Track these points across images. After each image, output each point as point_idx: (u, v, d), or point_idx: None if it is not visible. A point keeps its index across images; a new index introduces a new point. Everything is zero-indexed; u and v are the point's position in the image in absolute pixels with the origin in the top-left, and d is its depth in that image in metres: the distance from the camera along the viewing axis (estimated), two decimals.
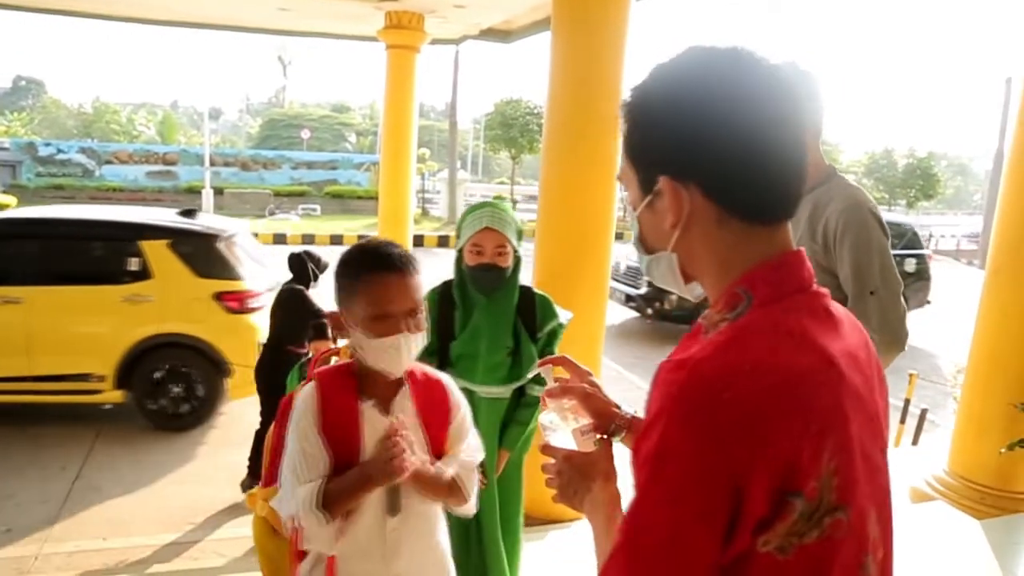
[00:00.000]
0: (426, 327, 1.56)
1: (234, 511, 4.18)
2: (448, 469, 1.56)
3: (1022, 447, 3.41)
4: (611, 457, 1.03)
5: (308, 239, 16.96)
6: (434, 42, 9.54)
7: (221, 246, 5.31)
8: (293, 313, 4.23)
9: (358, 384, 1.56)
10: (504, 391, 2.40)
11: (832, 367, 0.78)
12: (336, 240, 17.33)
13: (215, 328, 5.18)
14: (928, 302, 9.95)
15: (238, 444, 4.64)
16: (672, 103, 0.85)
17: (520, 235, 2.35)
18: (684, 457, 0.73)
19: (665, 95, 0.86)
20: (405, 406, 1.57)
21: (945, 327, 10.29)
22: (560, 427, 1.15)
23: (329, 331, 3.49)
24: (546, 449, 1.06)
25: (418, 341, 1.53)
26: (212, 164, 23.61)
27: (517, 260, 2.34)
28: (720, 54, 0.85)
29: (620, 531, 0.78)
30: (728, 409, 0.72)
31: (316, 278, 4.47)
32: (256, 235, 16.25)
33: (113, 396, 5.16)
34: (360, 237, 17.37)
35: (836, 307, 0.87)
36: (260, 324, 5.09)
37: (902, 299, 2.05)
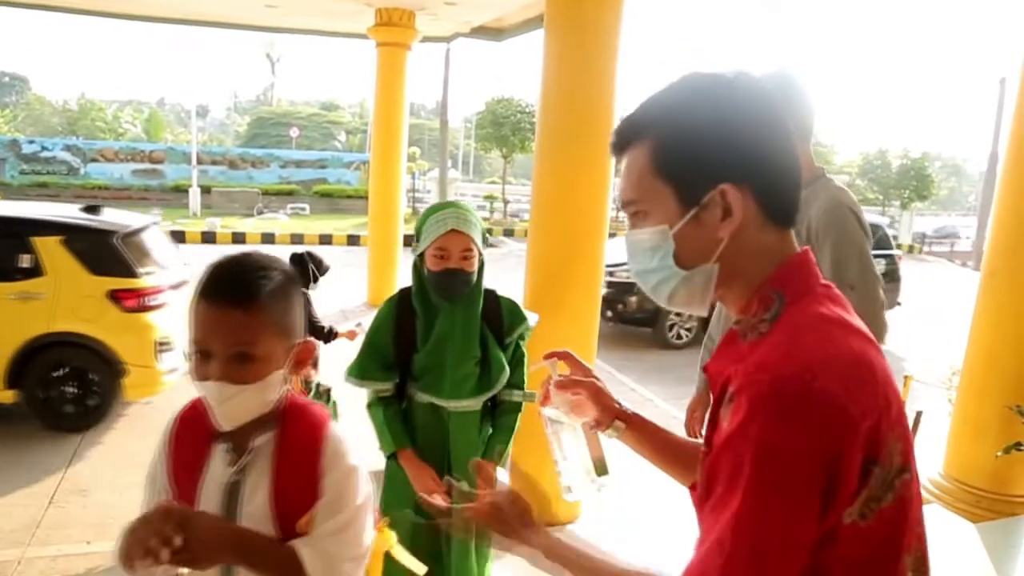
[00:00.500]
0: (284, 377, 1.24)
1: None
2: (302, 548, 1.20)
3: (1018, 450, 3.39)
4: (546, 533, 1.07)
5: (297, 239, 16.86)
6: (425, 40, 9.47)
7: (118, 242, 5.15)
8: None
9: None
10: (474, 403, 2.24)
11: (872, 344, 0.87)
12: (325, 240, 17.23)
13: (109, 327, 5.04)
14: (899, 303, 9.91)
15: None
16: (717, 113, 0.89)
17: (485, 237, 2.21)
18: (789, 450, 0.77)
19: (707, 107, 0.90)
20: (261, 456, 1.25)
21: (935, 330, 10.33)
22: (565, 421, 1.19)
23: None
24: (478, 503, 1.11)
25: (247, 395, 1.18)
26: (199, 162, 23.44)
27: (481, 263, 2.18)
28: (732, 76, 0.92)
29: (729, 533, 0.79)
30: (820, 397, 0.78)
31: (316, 280, 4.38)
32: (244, 234, 16.39)
33: (4, 396, 5.02)
34: (350, 237, 17.32)
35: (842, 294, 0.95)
36: (159, 323, 5.04)
37: (880, 293, 2.14)
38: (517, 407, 2.30)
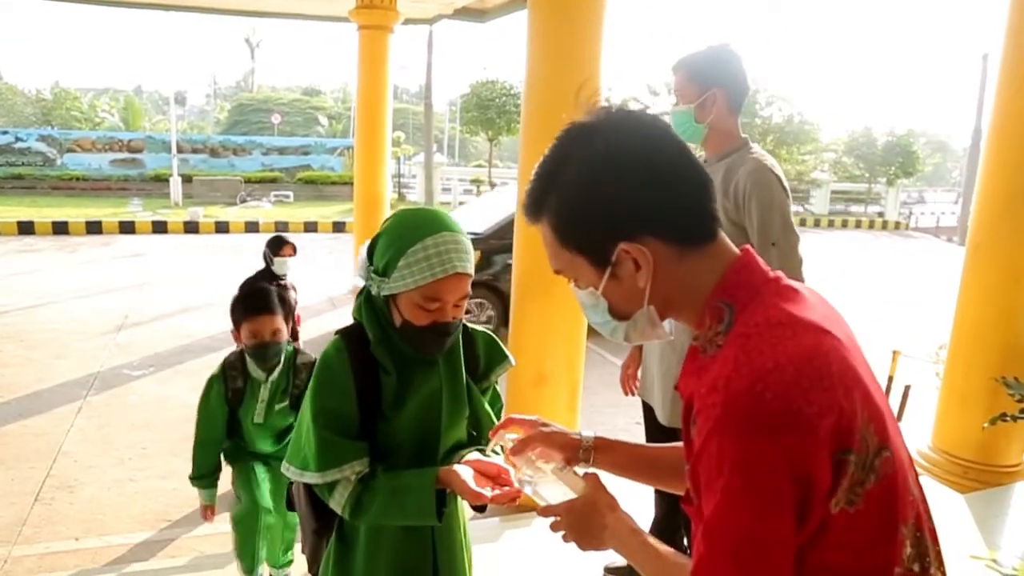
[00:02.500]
0: None
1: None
2: None
3: (1004, 421, 3.42)
4: (603, 488, 1.09)
5: (281, 227, 16.68)
6: (407, 22, 9.37)
7: None
8: None
9: None
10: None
11: (826, 334, 0.87)
12: (311, 227, 17.09)
13: None
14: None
15: None
16: (604, 179, 0.93)
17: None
18: (747, 463, 0.80)
19: (587, 175, 0.94)
20: None
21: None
22: (538, 477, 1.17)
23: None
24: (546, 511, 1.11)
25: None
26: (180, 151, 23.10)
27: None
28: (611, 121, 0.95)
29: (697, 545, 0.84)
30: (772, 407, 0.79)
31: (270, 262, 4.28)
32: (228, 223, 16.23)
33: None
34: (335, 224, 17.20)
35: (795, 283, 0.96)
36: None
37: (799, 251, 2.34)
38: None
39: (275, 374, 2.74)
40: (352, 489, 1.45)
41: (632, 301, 0.97)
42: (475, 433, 1.64)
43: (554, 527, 1.10)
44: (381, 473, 1.47)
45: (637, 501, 2.69)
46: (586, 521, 1.07)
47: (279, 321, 2.67)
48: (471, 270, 1.47)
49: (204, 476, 2.80)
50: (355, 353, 1.49)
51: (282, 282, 4.28)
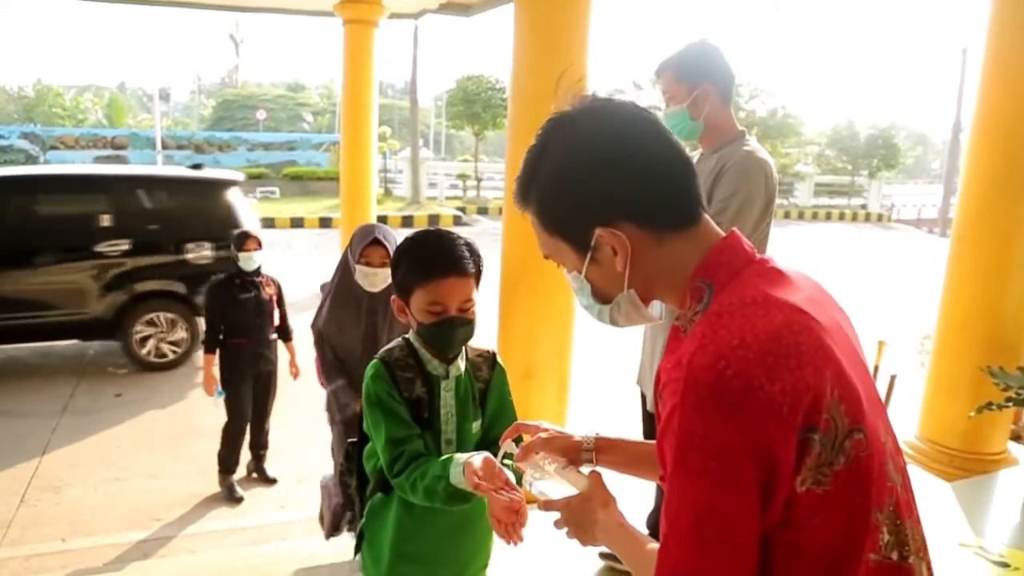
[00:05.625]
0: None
1: (203, 506, 4.07)
2: None
3: (990, 409, 3.45)
4: (602, 485, 1.11)
5: (267, 223, 16.58)
6: (392, 16, 9.30)
7: None
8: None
9: None
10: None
11: (802, 314, 0.87)
12: (297, 223, 17.00)
13: None
14: None
15: (206, 435, 4.50)
16: (566, 169, 0.96)
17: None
18: (705, 439, 0.80)
19: (557, 168, 0.97)
20: None
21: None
22: (544, 476, 1.20)
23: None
24: (547, 506, 1.14)
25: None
26: (164, 147, 22.94)
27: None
28: (586, 110, 0.97)
29: (662, 523, 0.85)
30: (733, 383, 0.80)
31: (236, 259, 4.17)
32: None
33: None
34: (322, 220, 17.10)
35: (785, 266, 0.97)
36: None
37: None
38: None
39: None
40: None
41: (613, 284, 0.99)
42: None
43: (556, 524, 1.13)
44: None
45: (638, 496, 2.71)
46: (581, 517, 1.09)
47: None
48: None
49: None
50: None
51: (256, 279, 4.21)
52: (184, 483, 4.29)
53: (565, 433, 1.28)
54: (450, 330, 1.61)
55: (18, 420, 5.15)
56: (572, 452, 1.25)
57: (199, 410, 5.24)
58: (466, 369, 1.73)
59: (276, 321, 4.30)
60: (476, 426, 1.72)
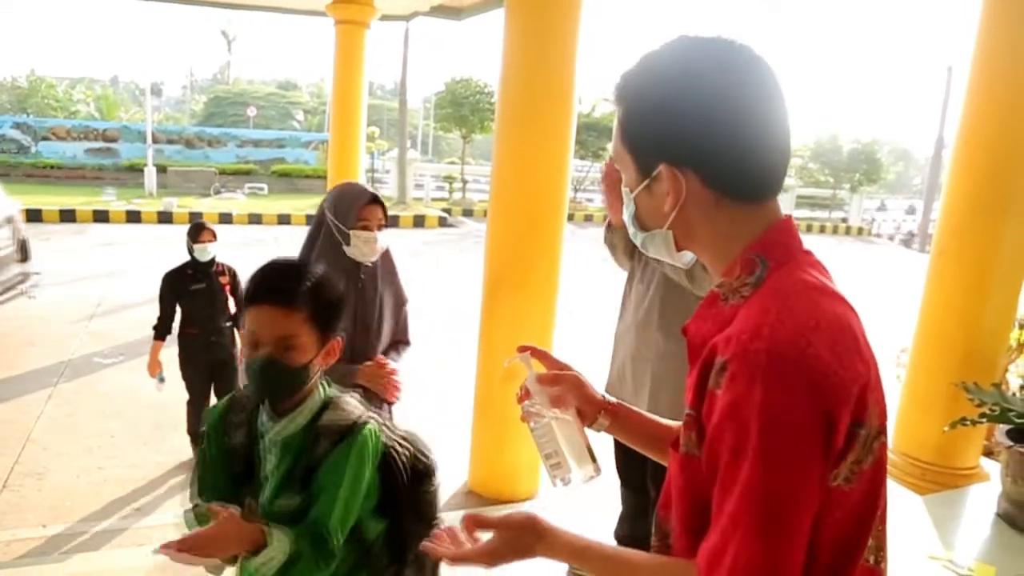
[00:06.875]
0: None
1: (184, 495, 4.05)
2: None
3: (964, 425, 3.49)
4: (538, 520, 1.00)
5: (255, 219, 16.50)
6: (384, 18, 9.31)
7: None
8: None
9: None
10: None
11: (853, 310, 0.90)
12: (284, 220, 16.91)
13: None
14: None
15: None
16: (667, 93, 0.91)
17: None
18: (792, 416, 0.78)
19: (660, 85, 0.92)
20: None
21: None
22: (548, 415, 1.17)
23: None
24: (480, 523, 1.02)
25: None
26: (155, 141, 22.74)
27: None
28: (709, 44, 0.92)
29: (742, 506, 0.79)
30: (815, 362, 0.79)
31: (191, 250, 4.17)
32: (201, 214, 16.02)
33: None
34: (308, 217, 17.02)
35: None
36: None
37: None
38: None
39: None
40: None
41: (655, 218, 0.98)
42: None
43: (485, 545, 1.02)
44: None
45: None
46: (517, 544, 1.00)
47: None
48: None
49: None
50: None
51: (210, 269, 4.21)
52: (166, 474, 4.31)
53: (590, 385, 1.24)
54: (259, 371, 1.39)
55: (3, 406, 5.12)
56: (593, 405, 1.21)
57: (183, 403, 5.22)
58: (302, 433, 1.45)
59: (232, 309, 4.32)
60: (295, 502, 1.44)
